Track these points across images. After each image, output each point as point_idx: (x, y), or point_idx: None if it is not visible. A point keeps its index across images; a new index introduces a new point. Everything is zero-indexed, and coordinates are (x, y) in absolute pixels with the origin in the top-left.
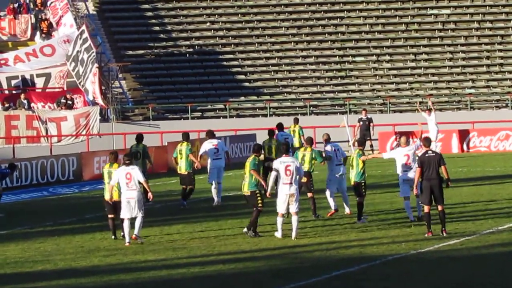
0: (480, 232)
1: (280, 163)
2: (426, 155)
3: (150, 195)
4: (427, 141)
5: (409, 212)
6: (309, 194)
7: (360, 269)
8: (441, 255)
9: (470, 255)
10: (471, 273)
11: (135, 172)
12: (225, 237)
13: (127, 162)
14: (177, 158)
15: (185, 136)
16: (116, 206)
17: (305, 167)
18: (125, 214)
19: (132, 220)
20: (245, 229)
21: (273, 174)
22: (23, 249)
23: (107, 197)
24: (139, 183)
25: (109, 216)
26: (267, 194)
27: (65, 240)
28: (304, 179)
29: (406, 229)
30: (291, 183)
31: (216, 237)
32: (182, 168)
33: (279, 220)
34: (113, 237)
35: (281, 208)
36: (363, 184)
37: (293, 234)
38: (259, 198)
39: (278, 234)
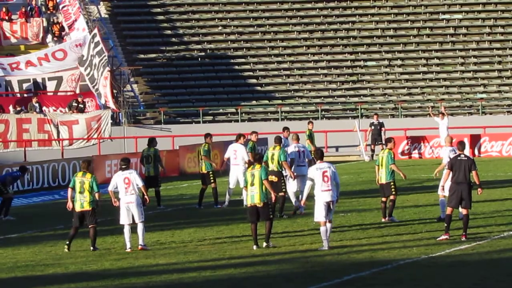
0: (491, 237)
1: (316, 170)
2: (458, 158)
3: (146, 198)
4: (461, 145)
5: (442, 210)
6: (281, 194)
7: (371, 273)
8: (453, 260)
9: (481, 259)
10: (482, 278)
11: (133, 176)
12: (236, 241)
13: (123, 166)
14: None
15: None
16: (84, 217)
17: (275, 167)
18: (124, 220)
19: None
20: (265, 244)
21: (308, 184)
22: (34, 253)
23: (77, 207)
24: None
25: (74, 226)
26: (302, 202)
27: (76, 244)
28: (275, 179)
29: (417, 234)
30: (330, 190)
31: (228, 241)
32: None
33: (323, 230)
34: (66, 247)
35: (321, 216)
36: (392, 183)
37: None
38: (270, 208)
39: (325, 246)
